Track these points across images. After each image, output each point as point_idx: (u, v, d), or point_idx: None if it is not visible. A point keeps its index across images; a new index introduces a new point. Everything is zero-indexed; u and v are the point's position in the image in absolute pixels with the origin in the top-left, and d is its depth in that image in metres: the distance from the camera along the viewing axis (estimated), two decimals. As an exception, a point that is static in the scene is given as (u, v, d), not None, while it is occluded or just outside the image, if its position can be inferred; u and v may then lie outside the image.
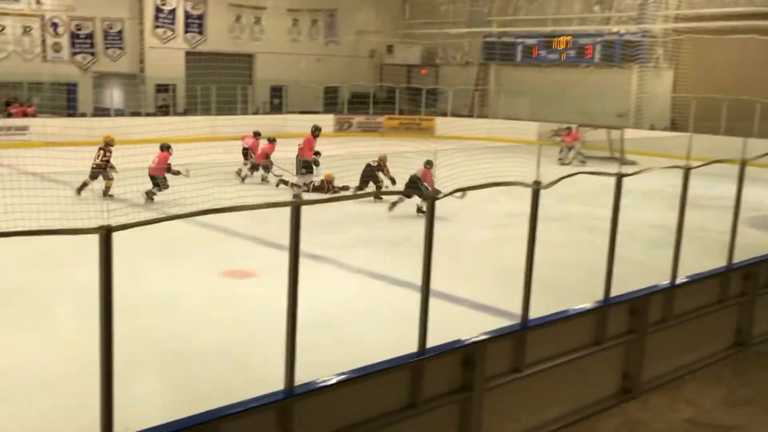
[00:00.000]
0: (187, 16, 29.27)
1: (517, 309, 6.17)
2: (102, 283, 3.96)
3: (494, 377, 5.87)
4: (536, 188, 6.05)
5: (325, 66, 32.44)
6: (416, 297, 5.44)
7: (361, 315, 8.54)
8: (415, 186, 13.25)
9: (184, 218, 4.50)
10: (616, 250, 6.90)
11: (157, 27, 28.57)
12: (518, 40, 31.52)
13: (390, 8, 35.36)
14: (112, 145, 15.02)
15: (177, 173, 13.83)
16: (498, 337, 5.94)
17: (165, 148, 14.99)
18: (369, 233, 12.68)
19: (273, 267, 8.59)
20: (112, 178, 14.37)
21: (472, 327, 6.19)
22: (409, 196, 13.52)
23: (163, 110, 28.40)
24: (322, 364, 5.62)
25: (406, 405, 5.37)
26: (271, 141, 17.58)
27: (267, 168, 17.11)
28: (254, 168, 17.29)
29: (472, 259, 11.34)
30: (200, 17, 29.62)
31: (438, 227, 5.41)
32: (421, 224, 5.35)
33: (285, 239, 4.74)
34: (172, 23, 28.92)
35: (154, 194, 14.35)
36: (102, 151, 14.85)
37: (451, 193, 5.50)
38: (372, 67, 35.23)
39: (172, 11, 28.82)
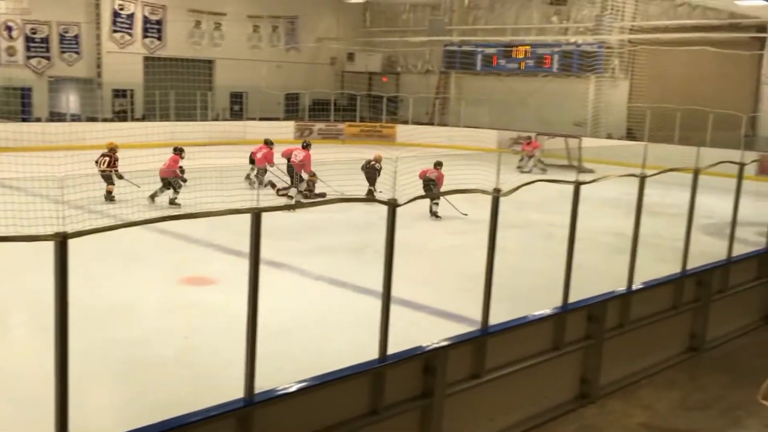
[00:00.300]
0: (146, 21, 28.93)
1: (477, 315, 6.21)
2: (57, 291, 3.89)
3: (455, 383, 5.91)
4: (496, 196, 6.12)
5: (285, 73, 32.35)
6: (377, 304, 5.45)
7: (322, 322, 8.52)
8: (429, 188, 13.46)
9: (141, 225, 4.44)
10: (574, 256, 7.00)
11: (115, 32, 28.18)
12: (478, 49, 31.85)
13: (351, 16, 35.44)
14: (116, 151, 15.37)
15: (184, 180, 14.12)
16: (458, 343, 5.98)
17: (177, 151, 15.22)
18: (330, 240, 12.65)
19: (233, 274, 8.52)
20: (114, 183, 14.65)
21: (433, 333, 6.23)
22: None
23: (121, 116, 27.98)
24: (283, 371, 5.59)
25: (368, 412, 5.37)
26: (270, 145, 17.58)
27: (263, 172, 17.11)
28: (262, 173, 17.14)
29: (434, 265, 11.40)
30: (159, 22, 29.30)
31: (399, 234, 5.43)
32: (382, 231, 5.36)
33: (245, 246, 4.72)
34: (130, 28, 28.55)
35: (174, 199, 14.48)
36: (107, 158, 15.24)
37: (412, 201, 5.52)
38: (333, 74, 35.24)
39: (130, 16, 28.47)
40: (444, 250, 12.53)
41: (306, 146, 16.98)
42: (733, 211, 9.46)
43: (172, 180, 14.39)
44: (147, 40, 29.11)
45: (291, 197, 15.66)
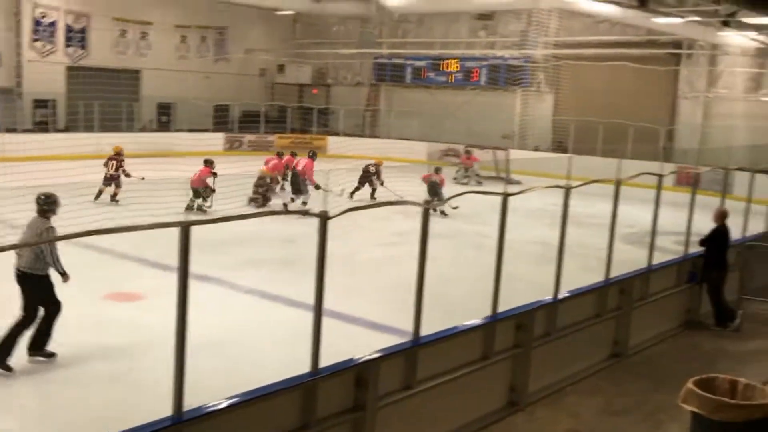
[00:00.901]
0: (69, 29, 28.15)
1: (409, 326, 6.26)
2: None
3: (386, 395, 5.93)
4: (426, 207, 6.19)
5: (214, 84, 31.95)
6: (309, 317, 5.43)
7: (252, 336, 8.43)
8: (435, 191, 15.20)
9: (63, 240, 4.32)
10: (502, 266, 7.13)
11: (36, 40, 27.31)
12: (408, 61, 32.19)
13: (281, 27, 35.31)
14: (122, 155, 16.65)
15: (213, 190, 15.31)
16: (390, 355, 6.00)
17: (208, 162, 16.12)
18: (261, 253, 12.54)
19: (161, 289, 8.34)
20: (120, 186, 16.24)
21: (365, 345, 6.23)
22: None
23: (42, 127, 27.08)
24: (213, 387, 5.51)
25: (299, 426, 5.34)
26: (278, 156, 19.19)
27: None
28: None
29: (365, 277, 11.43)
30: (82, 31, 28.55)
31: (331, 246, 5.43)
32: (314, 243, 5.35)
33: (174, 260, 4.64)
34: (52, 36, 27.72)
35: (202, 206, 15.36)
36: (113, 162, 16.39)
37: (343, 213, 5.53)
38: (263, 86, 35.00)
39: (52, 24, 27.65)
40: (375, 261, 12.58)
41: (312, 156, 17.28)
42: (653, 220, 9.81)
43: (201, 190, 15.44)
44: (70, 49, 28.32)
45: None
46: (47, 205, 7.09)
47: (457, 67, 30.95)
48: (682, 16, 18.30)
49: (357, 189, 17.97)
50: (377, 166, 18.36)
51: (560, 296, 7.92)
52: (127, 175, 16.23)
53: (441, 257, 11.16)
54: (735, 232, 11.40)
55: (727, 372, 6.86)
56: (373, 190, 18.02)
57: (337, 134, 31.47)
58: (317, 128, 31.74)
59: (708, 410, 5.51)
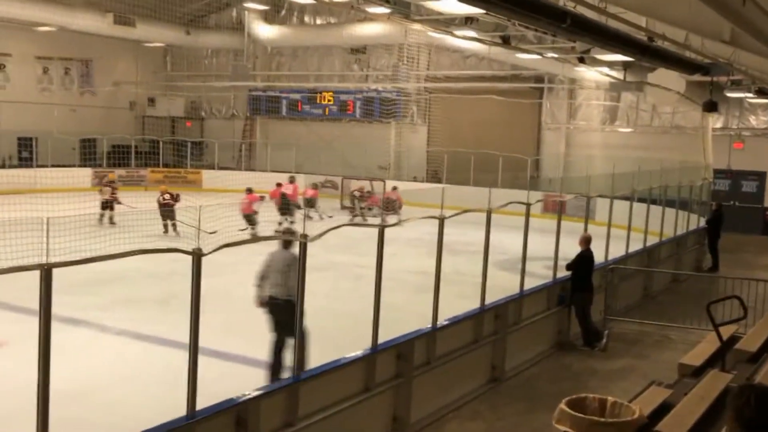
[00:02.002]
0: None
1: (289, 362, 6.16)
2: None
3: (268, 434, 5.80)
4: (303, 241, 6.16)
5: (80, 117, 30.63)
6: (184, 356, 5.24)
7: (124, 380, 8.04)
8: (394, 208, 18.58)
9: None
10: (381, 297, 7.18)
11: None
12: (283, 94, 32.16)
13: (150, 59, 34.42)
14: (114, 182, 20.56)
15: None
16: (270, 392, 5.90)
17: (250, 190, 18.72)
18: (132, 292, 12.04)
19: (22, 335, 7.82)
20: (114, 209, 19.13)
21: (245, 383, 6.09)
22: None
23: None
24: (82, 438, 5.20)
25: (177, 473, 5.12)
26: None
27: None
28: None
29: (243, 313, 11.14)
30: (-69, 61, 26.72)
31: (206, 283, 5.29)
32: (188, 281, 5.20)
33: (36, 303, 4.37)
34: None
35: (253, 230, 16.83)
36: (109, 188, 20.00)
37: (218, 249, 5.40)
38: (133, 119, 33.90)
39: None
40: (252, 297, 12.32)
41: (292, 180, 21.94)
42: (523, 247, 10.19)
43: (252, 216, 17.52)
44: None
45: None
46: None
47: (331, 99, 31.24)
48: (541, 53, 19.32)
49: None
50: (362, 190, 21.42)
51: (439, 324, 8.06)
52: (119, 203, 19.22)
53: (318, 290, 11.11)
54: (598, 256, 12.03)
55: (597, 390, 7.20)
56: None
57: (212, 168, 30.87)
58: (191, 162, 31.01)
59: (580, 429, 5.71)
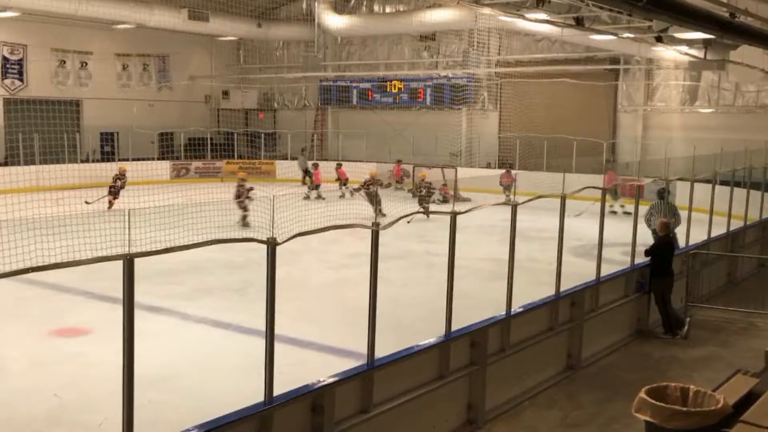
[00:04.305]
0: (5, 61, 27.51)
1: (363, 349, 6.22)
2: None
3: (343, 420, 5.86)
4: (375, 229, 6.18)
5: (158, 111, 31.55)
6: (262, 344, 5.35)
7: (204, 366, 8.26)
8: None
9: (2, 278, 4.18)
10: (454, 284, 7.15)
11: (-29, 72, 26.63)
12: (353, 84, 32.32)
13: (224, 53, 35.13)
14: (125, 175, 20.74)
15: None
16: (345, 379, 5.94)
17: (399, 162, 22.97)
18: (211, 281, 12.35)
19: (109, 322, 8.14)
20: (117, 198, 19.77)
21: (320, 370, 6.17)
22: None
23: (-20, 161, 26.35)
24: (165, 422, 5.38)
25: (255, 457, 5.23)
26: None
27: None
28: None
29: (317, 301, 11.33)
30: (20, 62, 27.93)
31: (281, 271, 5.38)
32: (264, 269, 5.28)
33: (120, 292, 4.52)
34: (-12, 69, 27.07)
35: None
36: (120, 181, 20.41)
37: (292, 238, 5.47)
38: (208, 112, 34.70)
39: (-12, 56, 27.01)
40: (326, 285, 12.49)
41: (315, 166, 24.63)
42: (600, 232, 9.97)
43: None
44: (7, 81, 27.67)
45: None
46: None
47: (401, 87, 31.20)
48: (616, 34, 18.78)
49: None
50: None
51: (513, 311, 7.97)
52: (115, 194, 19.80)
53: (393, 278, 11.17)
54: (679, 241, 11.69)
55: (679, 379, 7.00)
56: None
57: (285, 158, 31.33)
58: (265, 153, 31.55)
59: (661, 419, 5.58)
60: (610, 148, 26.62)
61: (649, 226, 12.92)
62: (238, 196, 18.91)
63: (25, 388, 7.46)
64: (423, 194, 19.92)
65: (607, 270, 10.15)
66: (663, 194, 13.93)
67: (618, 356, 9.86)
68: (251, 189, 18.95)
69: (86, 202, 18.64)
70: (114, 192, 20.08)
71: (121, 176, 20.67)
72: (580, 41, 23.94)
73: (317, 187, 24.02)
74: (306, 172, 27.07)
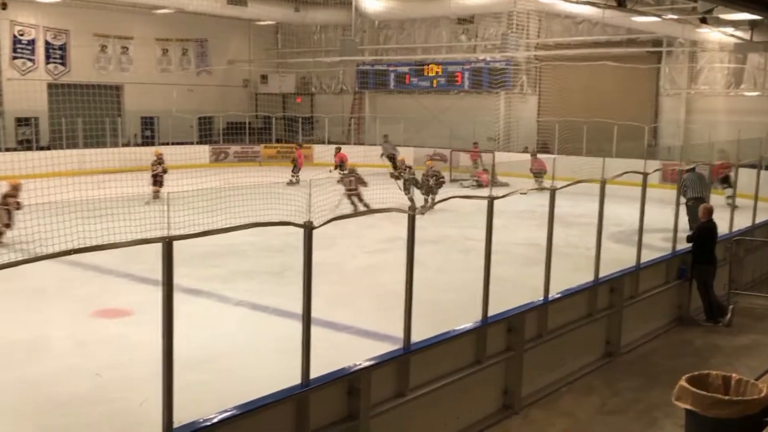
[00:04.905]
0: (48, 46, 27.98)
1: (399, 333, 6.22)
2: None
3: (379, 404, 5.88)
4: (412, 214, 6.16)
5: (197, 96, 31.83)
6: (299, 327, 5.38)
7: (243, 349, 8.35)
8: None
9: (46, 259, 4.26)
10: (491, 269, 7.11)
11: (16, 58, 27.13)
12: (390, 68, 32.20)
13: (262, 37, 35.26)
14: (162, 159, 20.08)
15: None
16: (381, 363, 5.96)
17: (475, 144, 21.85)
18: (249, 264, 12.46)
19: (149, 304, 8.26)
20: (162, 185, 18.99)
21: (356, 354, 6.19)
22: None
23: (25, 145, 26.88)
24: (204, 402, 5.45)
25: (292, 438, 5.28)
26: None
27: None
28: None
29: (354, 285, 11.37)
30: (62, 48, 28.39)
31: (317, 255, 5.39)
32: (301, 253, 5.31)
33: (161, 275, 4.58)
34: (32, 54, 27.55)
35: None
36: (158, 166, 19.81)
37: (328, 222, 5.47)
38: (246, 97, 34.91)
39: (32, 42, 27.48)
40: (363, 269, 12.52)
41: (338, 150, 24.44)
42: (640, 218, 9.82)
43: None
44: (50, 66, 28.16)
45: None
46: None
47: (439, 71, 30.99)
48: (660, 15, 18.39)
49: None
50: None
51: (551, 297, 7.91)
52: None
53: (429, 263, 11.15)
54: (722, 227, 11.45)
55: (720, 368, 6.87)
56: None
57: (322, 142, 31.41)
58: (302, 137, 31.68)
59: (702, 407, 5.49)
60: (652, 132, 26.15)
61: (684, 194, 13.26)
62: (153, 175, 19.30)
63: (69, 368, 7.63)
64: (431, 184, 18.28)
65: (647, 256, 10.01)
66: (695, 168, 14.09)
67: (658, 343, 9.73)
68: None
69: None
70: (158, 180, 19.58)
71: (159, 161, 20.31)
72: (621, 23, 23.52)
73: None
74: (392, 158, 25.94)
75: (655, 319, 10.12)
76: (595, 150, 23.05)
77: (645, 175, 9.81)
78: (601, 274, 8.82)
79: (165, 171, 19.55)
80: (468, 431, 6.84)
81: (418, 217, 6.19)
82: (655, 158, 22.75)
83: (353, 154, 29.03)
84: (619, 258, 9.80)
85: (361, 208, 16.34)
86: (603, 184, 8.72)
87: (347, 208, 15.56)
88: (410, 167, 18.46)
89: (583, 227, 13.45)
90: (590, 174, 8.98)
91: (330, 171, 23.03)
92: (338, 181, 17.12)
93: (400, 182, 17.59)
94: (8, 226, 13.44)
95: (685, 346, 9.69)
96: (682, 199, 12.45)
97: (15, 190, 14.27)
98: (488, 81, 29.47)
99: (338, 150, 25.18)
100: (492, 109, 29.54)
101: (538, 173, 22.15)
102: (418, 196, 16.77)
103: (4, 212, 13.69)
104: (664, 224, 10.99)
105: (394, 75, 32.09)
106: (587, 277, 8.77)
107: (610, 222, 9.79)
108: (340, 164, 23.61)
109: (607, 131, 24.51)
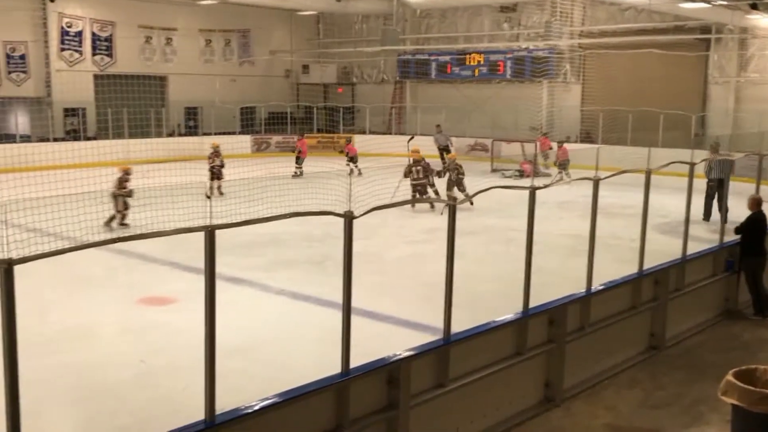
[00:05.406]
0: (95, 38, 28.50)
1: (439, 323, 6.20)
2: (5, 320, 3.76)
3: (419, 394, 5.88)
4: (452, 204, 6.12)
5: (240, 86, 32.13)
6: (339, 316, 5.40)
7: (283, 337, 8.43)
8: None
9: (93, 247, 4.34)
10: (533, 260, 7.04)
11: (64, 50, 27.70)
12: (432, 57, 32.05)
13: (304, 27, 35.41)
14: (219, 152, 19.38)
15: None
16: (421, 353, 5.95)
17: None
18: (290, 254, 12.56)
19: (193, 293, 8.37)
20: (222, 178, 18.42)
21: (396, 344, 6.19)
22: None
23: (73, 135, 27.47)
24: (245, 390, 5.51)
25: (333, 427, 5.31)
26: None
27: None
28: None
29: (394, 275, 11.38)
30: (108, 39, 28.89)
31: (359, 245, 5.40)
32: (341, 243, 5.32)
33: (204, 263, 4.63)
34: (79, 45, 28.10)
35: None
36: (216, 158, 19.17)
37: (368, 212, 5.47)
38: (288, 87, 35.13)
39: (79, 33, 28.02)
40: (403, 259, 12.52)
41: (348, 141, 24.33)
42: (686, 209, 9.62)
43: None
44: (97, 58, 28.67)
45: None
46: None
47: (481, 60, 30.74)
48: (709, 1, 17.96)
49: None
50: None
51: (593, 289, 7.80)
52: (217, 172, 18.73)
53: (469, 253, 11.10)
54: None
55: (768, 362, 6.70)
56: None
57: (363, 132, 31.45)
58: (343, 127, 31.77)
59: (749, 402, 5.38)
60: (699, 121, 25.59)
61: (707, 175, 13.95)
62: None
63: (114, 353, 7.79)
64: (452, 178, 16.50)
65: (694, 248, 9.80)
66: (717, 148, 14.79)
67: (704, 337, 9.54)
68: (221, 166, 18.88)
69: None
70: (216, 173, 18.84)
71: (216, 153, 19.55)
72: (668, 9, 23.05)
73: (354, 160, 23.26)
74: (446, 150, 25.23)
75: (702, 312, 9.92)
76: (640, 139, 22.66)
77: (692, 165, 9.60)
78: (646, 266, 8.66)
79: (222, 165, 19.10)
80: (508, 423, 6.79)
81: (459, 207, 6.15)
82: (702, 148, 22.29)
83: (395, 143, 29.01)
84: (664, 250, 9.62)
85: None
86: (648, 174, 8.56)
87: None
88: (459, 166, 16.67)
89: (628, 218, 13.25)
90: (635, 164, 8.82)
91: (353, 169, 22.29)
92: (405, 175, 16.64)
93: (436, 178, 16.79)
94: (125, 210, 13.98)
95: (732, 339, 9.48)
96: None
97: (126, 174, 14.67)
98: (531, 70, 29.14)
99: (348, 141, 25.05)
100: (534, 99, 29.22)
101: (563, 164, 21.87)
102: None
103: (120, 199, 14.11)
104: (711, 215, 10.76)
105: (436, 64, 31.93)
106: (631, 269, 8.63)
107: (655, 213, 9.61)
108: (351, 157, 23.33)
109: (653, 120, 24.05)
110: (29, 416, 3.94)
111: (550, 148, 24.40)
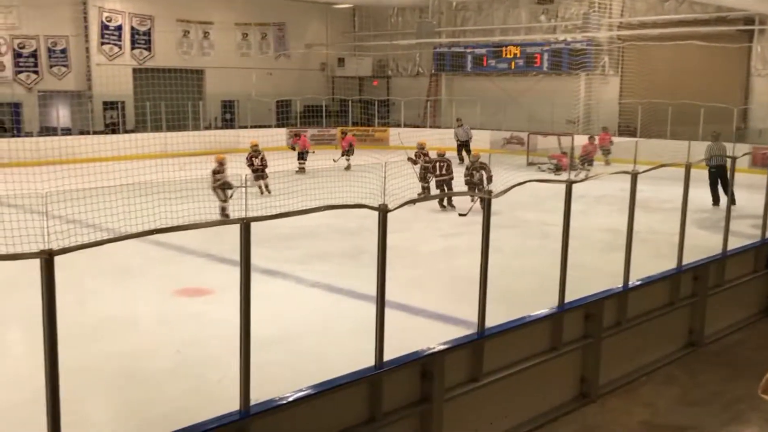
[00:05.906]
0: (134, 32, 28.87)
1: (473, 317, 6.17)
2: (45, 309, 3.83)
3: (453, 388, 5.87)
4: (488, 197, 6.08)
5: (276, 79, 32.31)
6: (373, 309, 5.40)
7: (318, 330, 8.46)
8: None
9: (131, 238, 4.40)
10: (569, 255, 6.97)
11: (103, 44, 28.11)
12: (468, 50, 31.84)
13: (339, 21, 35.45)
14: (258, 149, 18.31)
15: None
16: (455, 347, 5.93)
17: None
18: (325, 246, 12.60)
19: (229, 284, 8.46)
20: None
21: (430, 337, 6.18)
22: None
23: (112, 128, 27.91)
24: (280, 381, 5.55)
25: (366, 419, 5.33)
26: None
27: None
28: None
29: (428, 268, 11.35)
30: (147, 33, 29.24)
31: (393, 238, 5.39)
32: (375, 236, 5.32)
33: (239, 255, 4.67)
34: (119, 40, 28.50)
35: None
36: (255, 157, 18.11)
37: (402, 205, 5.47)
38: (323, 80, 35.21)
39: (118, 28, 28.41)
40: (437, 253, 12.48)
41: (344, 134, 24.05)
42: (728, 204, 9.44)
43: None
44: (136, 51, 29.05)
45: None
46: None
47: (518, 53, 30.45)
48: (753, -9, 17.57)
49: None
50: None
51: (630, 284, 7.70)
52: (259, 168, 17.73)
53: (505, 247, 11.03)
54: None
55: (811, 361, 6.56)
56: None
57: (398, 125, 31.40)
58: (378, 120, 31.76)
59: (791, 401, 5.25)
60: (741, 114, 25.04)
61: (707, 163, 14.00)
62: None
63: (152, 344, 7.90)
64: (476, 180, 14.80)
65: (734, 243, 9.62)
66: (718, 137, 15.06)
67: (744, 334, 9.36)
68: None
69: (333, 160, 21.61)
70: (258, 173, 17.44)
71: (255, 153, 18.34)
72: (710, 0, 22.56)
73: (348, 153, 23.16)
74: (465, 146, 25.26)
75: (742, 309, 9.74)
76: (680, 133, 22.25)
77: (733, 159, 9.42)
78: (685, 262, 8.53)
79: (264, 165, 17.82)
80: (543, 418, 6.75)
81: (494, 201, 6.11)
82: (744, 141, 21.83)
83: (430, 136, 28.92)
84: (704, 245, 9.46)
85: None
86: (688, 168, 8.41)
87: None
88: (484, 165, 14.87)
89: (667, 213, 13.04)
90: (674, 158, 8.68)
91: (334, 160, 22.52)
92: (414, 162, 16.50)
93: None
94: (225, 201, 13.89)
95: (773, 337, 9.30)
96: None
97: (221, 165, 14.80)
98: (568, 62, 28.78)
99: (345, 134, 24.81)
100: (572, 91, 28.85)
101: (585, 158, 21.54)
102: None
103: (219, 190, 14.26)
104: (754, 210, 10.54)
105: (472, 57, 31.72)
106: (669, 265, 8.50)
107: (696, 208, 9.45)
108: (349, 148, 23.23)
109: (693, 114, 23.60)
110: (72, 402, 4.01)
111: (611, 143, 24.12)
